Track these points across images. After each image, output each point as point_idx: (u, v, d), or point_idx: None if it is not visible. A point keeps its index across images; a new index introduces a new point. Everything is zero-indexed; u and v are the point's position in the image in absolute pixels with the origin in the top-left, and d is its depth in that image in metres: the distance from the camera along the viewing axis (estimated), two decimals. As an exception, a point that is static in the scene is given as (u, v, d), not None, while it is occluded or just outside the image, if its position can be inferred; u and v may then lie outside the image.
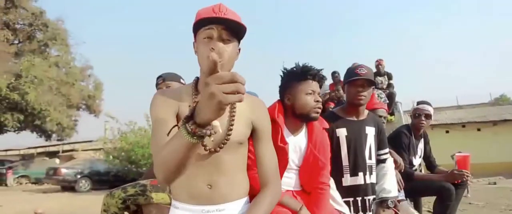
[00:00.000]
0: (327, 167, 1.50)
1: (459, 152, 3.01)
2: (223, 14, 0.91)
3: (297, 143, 1.46)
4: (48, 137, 15.20)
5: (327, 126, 1.61)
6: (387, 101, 4.78)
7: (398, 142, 2.54)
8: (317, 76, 1.45)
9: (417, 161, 2.67)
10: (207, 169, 0.95)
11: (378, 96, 4.78)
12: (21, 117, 12.45)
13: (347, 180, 1.70)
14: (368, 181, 1.72)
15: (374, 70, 5.69)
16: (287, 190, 1.45)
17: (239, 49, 0.99)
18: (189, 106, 0.94)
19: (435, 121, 14.74)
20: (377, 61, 5.81)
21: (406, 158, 2.47)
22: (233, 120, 0.97)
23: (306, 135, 1.50)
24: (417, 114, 2.60)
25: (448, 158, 2.85)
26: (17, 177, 14.65)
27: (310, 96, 1.43)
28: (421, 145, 2.70)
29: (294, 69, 1.47)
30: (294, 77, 1.46)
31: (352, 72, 1.77)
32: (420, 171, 2.90)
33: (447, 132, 14.02)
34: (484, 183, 9.90)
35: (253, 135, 1.05)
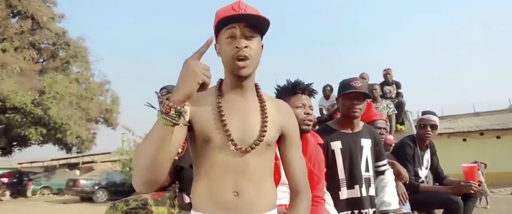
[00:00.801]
0: (321, 181, 1.51)
1: (475, 162, 2.99)
2: (244, 11, 0.89)
3: None
4: (68, 149, 15.89)
5: (321, 141, 1.64)
6: (396, 111, 4.83)
7: (402, 153, 2.48)
8: (307, 90, 1.53)
9: (423, 172, 2.59)
10: (233, 173, 0.89)
11: (387, 106, 4.82)
12: (44, 131, 13.11)
13: (344, 193, 1.69)
14: (365, 194, 1.70)
15: (382, 79, 5.71)
16: (280, 205, 1.49)
17: (262, 45, 0.96)
18: (215, 108, 0.92)
19: (451, 129, 14.31)
20: (385, 70, 5.76)
21: (411, 169, 2.40)
22: (266, 121, 0.93)
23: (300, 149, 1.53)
24: (423, 124, 2.52)
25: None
26: (40, 188, 15.35)
27: (300, 110, 1.49)
28: (427, 156, 2.62)
29: (285, 85, 1.56)
30: (286, 92, 1.53)
31: (346, 85, 1.78)
32: (427, 182, 2.81)
33: (464, 140, 13.56)
34: (506, 193, 9.51)
35: (281, 141, 1.01)
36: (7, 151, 15.07)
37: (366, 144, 1.79)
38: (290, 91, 1.53)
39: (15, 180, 15.35)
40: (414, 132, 5.56)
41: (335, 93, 6.09)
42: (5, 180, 15.34)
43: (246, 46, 0.88)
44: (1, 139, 13.65)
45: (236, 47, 0.88)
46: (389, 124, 4.74)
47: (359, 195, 1.69)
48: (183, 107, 0.78)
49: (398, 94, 5.68)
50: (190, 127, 0.91)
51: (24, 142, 14.43)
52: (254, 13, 0.89)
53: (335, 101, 5.78)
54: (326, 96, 6.00)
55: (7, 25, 13.06)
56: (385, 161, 1.90)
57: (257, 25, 0.91)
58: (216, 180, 0.89)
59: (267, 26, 0.92)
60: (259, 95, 0.99)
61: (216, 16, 0.92)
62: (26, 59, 13.00)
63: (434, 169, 2.71)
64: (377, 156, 1.86)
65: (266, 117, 0.94)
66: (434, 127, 2.52)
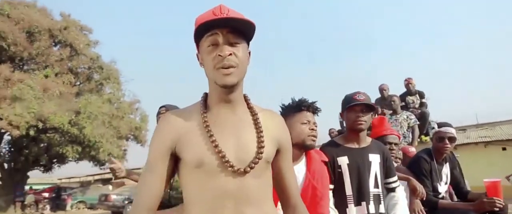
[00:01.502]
0: (325, 198, 1.50)
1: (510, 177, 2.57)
2: (226, 15, 0.80)
3: (295, 172, 1.65)
4: (102, 165, 16.88)
5: (326, 159, 1.63)
6: (418, 122, 4.74)
7: (418, 167, 2.36)
8: (311, 107, 1.56)
9: (443, 187, 2.44)
10: (232, 199, 0.80)
11: (407, 117, 4.74)
12: (79, 149, 14.12)
13: (352, 210, 1.65)
14: (373, 211, 1.65)
15: (404, 90, 5.53)
16: None
17: (250, 52, 0.88)
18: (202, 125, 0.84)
19: (488, 138, 13.20)
20: (406, 80, 5.52)
21: (428, 184, 2.29)
22: (262, 136, 0.85)
23: (305, 165, 1.53)
24: (440, 137, 2.38)
25: (504, 179, 2.62)
26: (76, 203, 16.37)
27: (305, 126, 1.51)
28: (446, 170, 2.48)
29: (290, 103, 1.59)
30: (291, 110, 1.56)
31: (350, 98, 1.77)
32: (447, 198, 2.66)
33: (503, 149, 12.38)
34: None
35: (276, 154, 0.92)
36: (48, 168, 16.32)
37: (375, 159, 1.73)
38: (295, 109, 1.56)
39: (54, 195, 16.52)
40: None
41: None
42: (46, 195, 16.61)
43: (230, 54, 0.79)
44: (42, 157, 14.82)
45: (219, 55, 0.79)
46: (411, 136, 4.64)
47: (366, 212, 1.64)
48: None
49: (422, 105, 5.41)
50: (176, 155, 0.85)
51: (62, 159, 15.58)
52: (238, 16, 0.81)
53: None
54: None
55: (49, 53, 14.48)
56: (395, 178, 1.84)
57: (242, 30, 0.82)
58: (213, 208, 0.80)
59: (253, 30, 0.83)
60: (250, 108, 0.90)
61: (196, 22, 0.83)
62: (64, 83, 14.24)
63: (456, 184, 2.56)
64: (387, 172, 1.80)
65: (261, 131, 0.85)
66: (452, 139, 2.37)
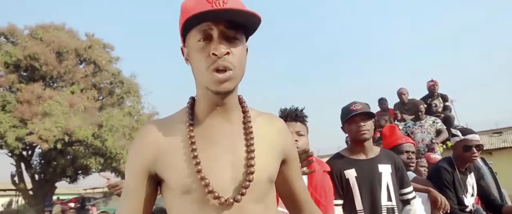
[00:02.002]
0: (329, 211, 1.44)
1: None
2: (223, 4, 0.64)
3: None
4: (123, 176, 17.62)
5: (328, 168, 1.57)
6: (444, 127, 4.49)
7: (439, 178, 2.19)
8: (289, 117, 1.46)
9: (469, 200, 2.25)
10: None
11: (433, 122, 4.57)
12: (102, 160, 14.95)
13: None
14: None
15: (426, 92, 5.29)
16: None
17: (247, 49, 0.72)
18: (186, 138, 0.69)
19: None
20: (431, 81, 5.22)
21: (451, 197, 2.12)
22: (252, 149, 0.70)
23: (306, 177, 1.45)
24: (467, 146, 2.19)
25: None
26: (99, 212, 17.19)
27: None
28: (471, 181, 2.30)
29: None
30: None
31: (347, 110, 1.72)
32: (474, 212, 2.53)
33: None
34: None
35: (282, 165, 0.79)
36: (73, 179, 17.29)
37: (385, 170, 1.64)
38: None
39: (79, 205, 17.45)
40: None
41: (390, 106, 5.70)
42: (72, 205, 17.57)
43: (227, 53, 0.64)
44: (69, 168, 15.78)
45: (213, 54, 0.64)
46: (436, 143, 4.28)
47: None
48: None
49: (446, 108, 5.15)
50: (157, 176, 0.71)
51: (86, 170, 16.50)
52: (239, 7, 0.64)
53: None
54: (383, 109, 5.52)
55: (76, 71, 15.60)
56: (410, 188, 1.73)
57: (241, 23, 0.66)
58: None
59: (257, 24, 0.67)
60: (244, 112, 0.75)
61: (183, 10, 0.68)
62: (88, 98, 15.24)
63: (485, 196, 2.36)
64: (400, 183, 1.70)
65: (252, 145, 0.71)
66: (479, 147, 2.21)
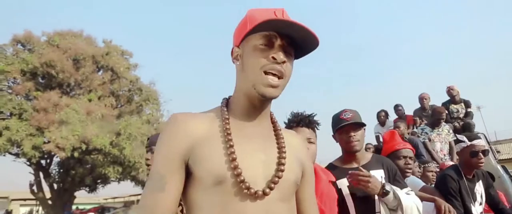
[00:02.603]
0: None
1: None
2: (287, 20, 0.70)
3: None
4: (142, 185, 17.17)
5: (333, 178, 1.56)
6: (455, 137, 4.07)
7: (444, 187, 2.22)
8: (302, 122, 1.47)
9: (477, 208, 2.25)
10: None
11: (449, 131, 4.26)
12: (120, 169, 14.45)
13: None
14: None
15: (447, 98, 5.14)
16: None
17: None
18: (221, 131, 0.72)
19: None
20: (447, 87, 5.16)
21: (458, 205, 2.13)
22: (284, 151, 0.75)
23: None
24: (474, 152, 2.21)
25: None
26: (119, 223, 16.68)
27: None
28: (479, 189, 2.30)
29: (290, 118, 1.52)
30: (292, 126, 1.48)
31: (337, 119, 1.72)
32: None
33: None
34: None
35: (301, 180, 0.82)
36: (92, 188, 16.92)
37: (377, 175, 1.63)
38: (288, 125, 1.51)
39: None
40: (490, 156, 4.62)
41: (391, 119, 5.58)
42: (91, 214, 17.15)
43: (284, 61, 0.70)
44: (87, 177, 15.38)
45: (273, 57, 0.70)
46: (447, 151, 4.26)
47: None
48: None
49: (467, 114, 4.99)
50: (187, 168, 0.70)
51: (105, 179, 16.06)
52: (304, 25, 0.69)
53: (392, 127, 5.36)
54: (382, 122, 5.55)
55: (93, 78, 15.30)
56: (408, 189, 1.71)
57: (299, 43, 0.72)
58: None
59: (314, 47, 0.73)
60: (273, 123, 0.81)
61: (251, 16, 0.73)
62: (106, 106, 14.84)
63: (494, 204, 2.36)
64: (395, 186, 1.69)
65: (284, 147, 0.75)
66: (485, 152, 2.24)
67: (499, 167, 4.51)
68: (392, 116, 5.63)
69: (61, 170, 15.61)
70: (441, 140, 4.26)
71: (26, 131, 11.99)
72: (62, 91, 14.12)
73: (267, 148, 0.74)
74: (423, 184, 2.54)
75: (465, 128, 4.70)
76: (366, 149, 5.41)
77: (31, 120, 12.24)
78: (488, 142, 5.44)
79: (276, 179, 0.70)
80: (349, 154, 1.71)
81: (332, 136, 1.81)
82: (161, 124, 17.81)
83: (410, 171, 2.32)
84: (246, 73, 0.72)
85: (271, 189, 0.69)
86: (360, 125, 1.70)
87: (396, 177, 1.73)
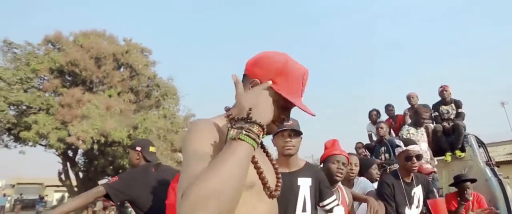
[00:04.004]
0: None
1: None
2: (308, 111, 0.82)
3: None
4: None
5: None
6: (420, 146, 3.97)
7: (379, 193, 2.42)
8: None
9: (413, 211, 2.40)
10: None
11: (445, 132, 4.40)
12: (137, 161, 15.36)
13: None
14: None
15: (439, 98, 5.04)
16: None
17: None
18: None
19: None
20: (441, 87, 5.05)
21: (390, 210, 2.30)
22: (272, 158, 0.92)
23: None
24: (408, 156, 2.38)
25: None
26: (137, 211, 17.82)
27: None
28: (417, 192, 2.43)
29: None
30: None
31: None
32: None
33: None
34: None
35: None
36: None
37: (304, 183, 1.79)
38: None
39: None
40: (479, 159, 4.63)
41: (382, 118, 5.66)
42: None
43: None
44: (108, 168, 16.53)
45: (282, 118, 0.83)
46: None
47: None
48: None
49: (458, 115, 4.86)
50: None
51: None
52: (312, 113, 0.82)
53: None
54: (373, 121, 5.58)
55: (114, 75, 16.28)
56: (331, 199, 1.88)
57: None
58: None
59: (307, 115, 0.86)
60: (262, 146, 0.96)
61: (286, 76, 0.80)
62: (125, 102, 15.77)
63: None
64: (322, 195, 1.86)
65: (271, 156, 0.91)
66: (419, 157, 2.40)
67: (487, 169, 4.40)
68: (384, 116, 5.66)
69: (86, 160, 16.89)
70: (425, 140, 4.26)
71: (52, 124, 13.14)
72: (85, 88, 15.20)
73: (263, 157, 0.89)
74: (373, 188, 2.68)
75: (454, 129, 4.63)
76: (356, 148, 5.49)
77: (57, 114, 13.38)
78: (480, 145, 5.19)
79: (280, 184, 0.87)
80: (283, 158, 1.85)
81: (272, 140, 1.90)
82: (177, 118, 18.62)
83: (341, 176, 2.48)
84: (263, 108, 0.75)
85: (278, 191, 0.83)
86: (298, 133, 1.83)
87: (321, 187, 1.87)
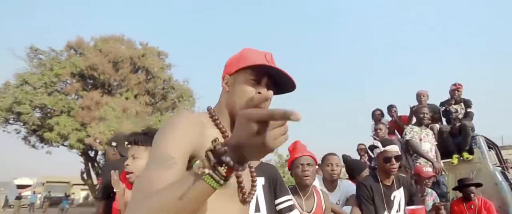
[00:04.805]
0: None
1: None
2: (274, 66, 0.87)
3: None
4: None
5: None
6: (423, 147, 3.98)
7: (358, 195, 2.37)
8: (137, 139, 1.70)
9: None
10: None
11: (433, 135, 4.21)
12: (152, 162, 15.83)
13: None
14: None
15: (448, 96, 4.90)
16: None
17: None
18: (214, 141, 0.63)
19: None
20: (454, 85, 4.83)
21: (367, 213, 2.26)
22: (252, 166, 0.93)
23: None
24: (386, 158, 2.28)
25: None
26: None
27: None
28: (398, 195, 2.33)
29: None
30: None
31: None
32: None
33: None
34: None
35: None
36: (132, 177, 18.73)
37: (257, 182, 1.73)
38: None
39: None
40: (488, 161, 4.30)
41: (386, 118, 5.40)
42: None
43: (268, 99, 0.76)
44: (126, 168, 17.12)
45: (259, 92, 0.85)
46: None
47: None
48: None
49: (467, 115, 4.64)
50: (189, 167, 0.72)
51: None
52: (286, 73, 0.85)
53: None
54: (377, 121, 5.51)
55: (131, 78, 16.87)
56: (285, 197, 1.86)
57: (279, 85, 0.88)
58: None
59: (290, 89, 0.90)
60: None
61: (246, 55, 0.88)
62: (141, 104, 16.30)
63: None
64: (276, 194, 1.84)
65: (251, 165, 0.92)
66: (398, 158, 2.29)
67: (497, 173, 4.19)
68: (387, 116, 5.56)
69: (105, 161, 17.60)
70: (430, 141, 4.10)
71: (72, 126, 13.86)
72: (104, 91, 15.88)
73: None
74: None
75: (461, 129, 4.41)
76: (358, 150, 5.46)
77: (77, 116, 14.09)
78: (491, 146, 4.95)
79: (255, 187, 0.87)
80: None
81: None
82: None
83: (308, 178, 2.42)
84: (233, 99, 0.86)
85: (252, 195, 0.84)
86: None
87: (277, 185, 1.87)
